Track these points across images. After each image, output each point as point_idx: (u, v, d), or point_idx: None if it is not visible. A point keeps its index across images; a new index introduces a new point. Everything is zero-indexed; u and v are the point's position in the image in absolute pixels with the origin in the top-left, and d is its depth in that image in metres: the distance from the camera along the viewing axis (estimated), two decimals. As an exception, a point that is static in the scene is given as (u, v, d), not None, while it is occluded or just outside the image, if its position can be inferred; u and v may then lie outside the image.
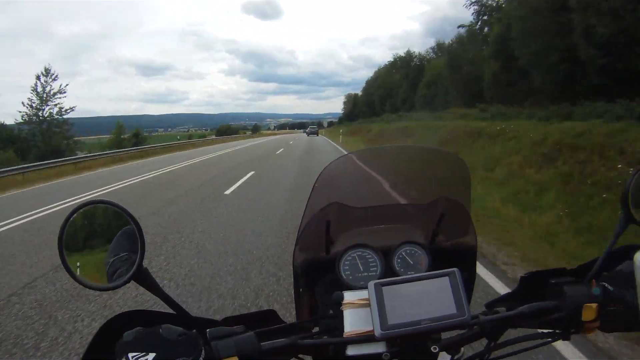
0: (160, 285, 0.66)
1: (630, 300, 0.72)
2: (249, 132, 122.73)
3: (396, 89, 50.21)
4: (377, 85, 59.38)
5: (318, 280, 0.98)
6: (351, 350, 0.72)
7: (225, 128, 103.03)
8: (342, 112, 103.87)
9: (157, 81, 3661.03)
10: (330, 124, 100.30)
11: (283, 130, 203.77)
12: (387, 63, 59.16)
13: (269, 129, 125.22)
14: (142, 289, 0.67)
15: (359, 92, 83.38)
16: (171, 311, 0.69)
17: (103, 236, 0.68)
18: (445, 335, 0.74)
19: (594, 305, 0.74)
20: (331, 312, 0.80)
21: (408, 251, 0.98)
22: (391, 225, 1.12)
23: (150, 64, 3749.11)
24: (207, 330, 0.68)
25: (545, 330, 0.80)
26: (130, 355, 0.58)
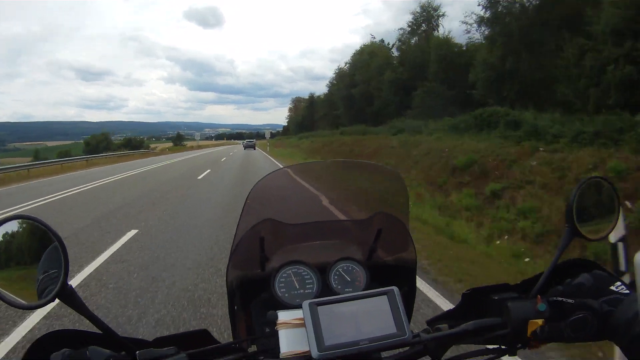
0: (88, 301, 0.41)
1: (597, 307, 0.72)
2: (156, 146, 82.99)
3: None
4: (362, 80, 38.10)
5: (253, 298, 0.96)
6: None
7: (97, 141, 63.30)
8: (287, 119, 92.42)
9: (96, 87, 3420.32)
10: (273, 135, 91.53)
11: (220, 141, 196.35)
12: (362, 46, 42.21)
13: (194, 139, 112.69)
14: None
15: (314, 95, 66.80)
16: (99, 331, 0.66)
17: (31, 252, 0.65)
18: (386, 354, 0.73)
19: (540, 320, 0.73)
20: (268, 330, 0.78)
21: (345, 268, 0.98)
22: (327, 242, 1.10)
23: (90, 69, 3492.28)
24: (137, 352, 0.65)
25: (490, 346, 0.79)
26: None
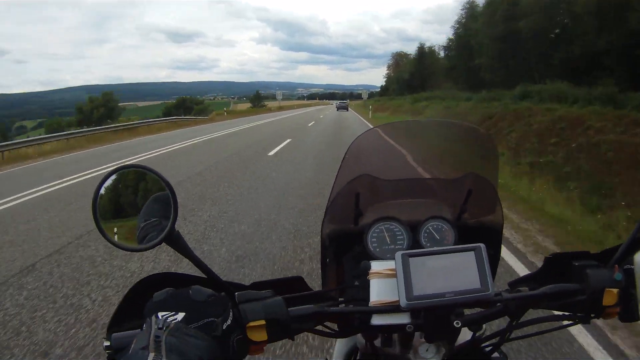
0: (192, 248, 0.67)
1: None
2: (226, 109, 56.78)
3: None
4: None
5: (346, 251, 0.98)
6: (376, 320, 0.72)
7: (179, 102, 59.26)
8: (386, 78, 75.48)
9: (187, 48, 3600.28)
10: (370, 95, 78.24)
11: (312, 101, 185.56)
12: None
13: (277, 101, 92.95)
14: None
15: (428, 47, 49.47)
16: (201, 275, 0.70)
17: (135, 201, 0.68)
18: (467, 311, 0.75)
19: (615, 290, 0.75)
20: (357, 283, 0.80)
21: (435, 226, 0.99)
22: (419, 200, 1.11)
23: (180, 31, 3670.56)
24: (236, 293, 0.69)
25: (566, 313, 0.80)
26: (160, 314, 0.59)
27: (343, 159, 0.98)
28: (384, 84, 75.47)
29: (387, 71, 77.69)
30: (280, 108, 71.64)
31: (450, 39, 37.20)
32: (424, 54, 49.62)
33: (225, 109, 42.29)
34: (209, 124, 28.87)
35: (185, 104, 57.65)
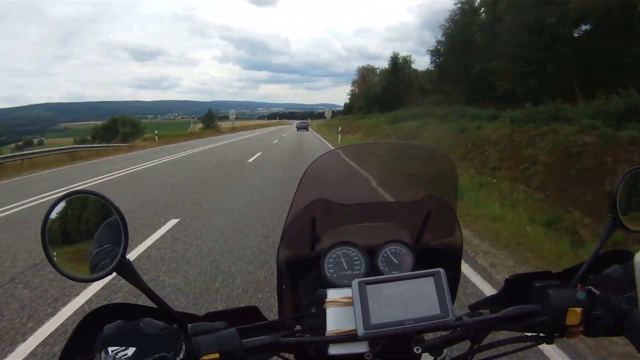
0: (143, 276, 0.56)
1: (615, 305, 0.74)
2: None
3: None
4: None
5: (302, 278, 0.97)
6: (333, 350, 0.71)
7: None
8: (350, 95, 70.92)
9: (150, 67, 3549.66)
10: (334, 114, 72.61)
11: (272, 121, 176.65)
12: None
13: (228, 120, 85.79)
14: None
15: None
16: (153, 305, 0.68)
17: (87, 227, 0.66)
18: (428, 336, 0.75)
19: (579, 309, 0.75)
20: (314, 310, 0.79)
21: (393, 250, 0.97)
22: (377, 224, 1.10)
23: (143, 49, 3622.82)
24: (189, 325, 0.67)
25: (529, 334, 0.80)
26: (110, 349, 0.58)
27: (299, 182, 0.95)
28: (347, 101, 71.10)
29: (352, 87, 73.09)
30: (233, 129, 63.81)
31: (439, 41, 29.34)
32: (397, 65, 43.38)
33: (156, 132, 32.31)
34: (119, 155, 20.57)
35: (116, 126, 48.75)
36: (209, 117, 79.74)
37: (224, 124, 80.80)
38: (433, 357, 0.75)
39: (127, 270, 0.63)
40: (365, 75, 66.93)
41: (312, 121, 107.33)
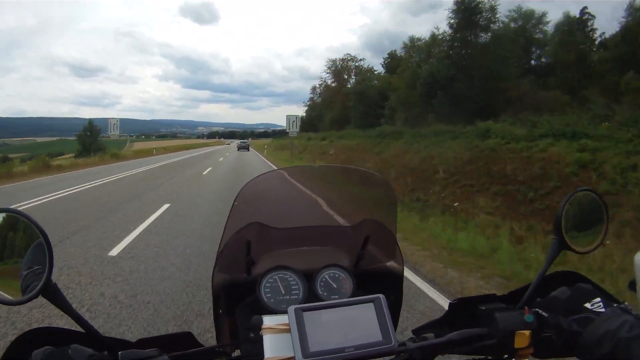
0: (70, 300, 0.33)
1: (566, 327, 0.74)
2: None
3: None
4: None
5: (239, 303, 0.95)
6: None
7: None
8: (307, 107, 57.78)
9: (90, 83, 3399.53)
10: (276, 134, 62.52)
11: (212, 140, 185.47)
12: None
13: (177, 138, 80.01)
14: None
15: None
16: (81, 330, 0.66)
17: (16, 247, 0.64)
18: None
19: (527, 332, 0.74)
20: (252, 335, 0.76)
21: (331, 274, 0.97)
22: (314, 247, 1.09)
23: (84, 65, 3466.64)
24: (119, 352, 0.64)
25: (477, 357, 0.79)
26: None
27: (232, 205, 0.93)
28: (303, 114, 53.31)
29: (309, 101, 57.21)
30: (143, 152, 46.45)
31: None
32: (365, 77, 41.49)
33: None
34: None
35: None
36: (90, 135, 52.66)
37: (162, 143, 73.22)
38: None
39: (53, 294, 0.61)
40: (342, 71, 49.03)
41: (256, 141, 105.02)
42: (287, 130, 27.43)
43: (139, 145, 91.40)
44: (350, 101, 39.39)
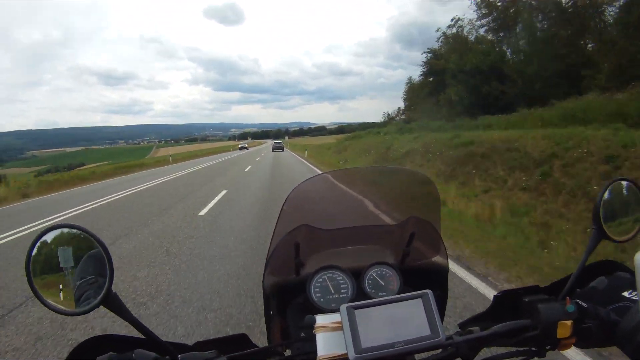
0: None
1: (604, 316, 0.75)
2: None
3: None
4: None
5: (289, 303, 0.97)
6: None
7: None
8: (406, 94, 40.46)
9: (120, 91, 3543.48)
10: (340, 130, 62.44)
11: (242, 141, 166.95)
12: None
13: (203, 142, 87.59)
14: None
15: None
16: (141, 336, 0.68)
17: (69, 260, 0.66)
18: (420, 356, 0.75)
19: (569, 322, 0.75)
20: (303, 335, 0.79)
21: (379, 272, 0.98)
22: (361, 247, 1.12)
23: (112, 73, 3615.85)
24: (179, 355, 0.68)
25: (521, 348, 0.80)
26: None
27: (281, 210, 0.95)
28: (403, 104, 42.21)
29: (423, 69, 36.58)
30: (145, 164, 35.87)
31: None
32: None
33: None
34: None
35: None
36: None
37: (201, 145, 77.16)
38: None
39: (113, 303, 0.63)
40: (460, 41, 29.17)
41: (292, 141, 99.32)
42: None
43: (163, 152, 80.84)
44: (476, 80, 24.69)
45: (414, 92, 37.93)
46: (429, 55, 33.70)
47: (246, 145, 66.43)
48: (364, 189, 1.24)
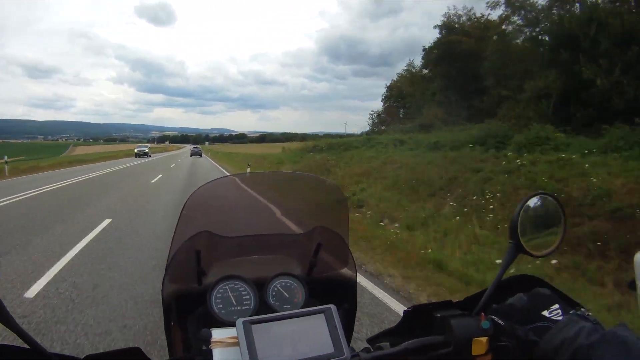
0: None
1: (522, 336, 0.72)
2: None
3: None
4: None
5: (190, 313, 0.93)
6: None
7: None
8: (386, 95, 32.61)
9: (45, 85, 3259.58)
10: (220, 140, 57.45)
11: (161, 145, 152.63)
12: None
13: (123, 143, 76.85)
14: None
15: None
16: (27, 346, 0.64)
17: None
18: None
19: (484, 339, 0.73)
20: (204, 348, 0.74)
21: (283, 283, 0.95)
22: (266, 256, 1.08)
23: (38, 66, 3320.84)
24: None
25: None
26: None
27: (180, 213, 0.91)
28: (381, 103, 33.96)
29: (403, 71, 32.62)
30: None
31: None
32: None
33: None
34: None
35: None
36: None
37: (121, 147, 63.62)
38: None
39: None
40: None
41: (213, 147, 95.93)
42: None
43: (80, 150, 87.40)
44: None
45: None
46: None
47: (147, 151, 47.70)
48: (272, 195, 1.22)
